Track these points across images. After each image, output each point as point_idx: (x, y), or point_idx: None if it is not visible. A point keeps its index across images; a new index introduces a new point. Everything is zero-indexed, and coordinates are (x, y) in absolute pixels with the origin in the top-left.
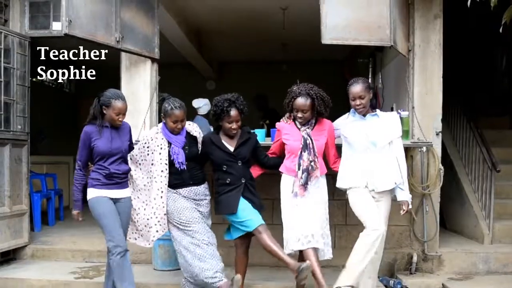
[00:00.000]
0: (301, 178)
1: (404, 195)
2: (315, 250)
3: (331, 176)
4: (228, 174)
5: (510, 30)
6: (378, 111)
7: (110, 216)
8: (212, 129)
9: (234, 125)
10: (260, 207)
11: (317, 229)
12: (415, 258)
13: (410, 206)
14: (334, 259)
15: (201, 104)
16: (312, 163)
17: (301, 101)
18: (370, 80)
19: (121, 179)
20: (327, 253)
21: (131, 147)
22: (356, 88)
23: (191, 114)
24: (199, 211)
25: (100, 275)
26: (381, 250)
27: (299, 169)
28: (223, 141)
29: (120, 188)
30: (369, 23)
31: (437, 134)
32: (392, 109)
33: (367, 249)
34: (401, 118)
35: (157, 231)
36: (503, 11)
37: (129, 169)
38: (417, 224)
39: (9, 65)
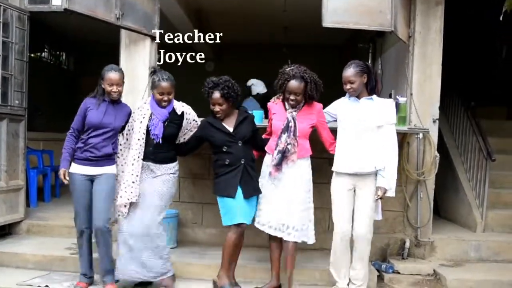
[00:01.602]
0: (275, 158)
1: (382, 182)
2: (293, 243)
3: (328, 160)
4: (227, 154)
5: (511, 19)
6: (374, 96)
7: (78, 198)
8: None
9: (216, 108)
10: (254, 191)
11: (291, 220)
12: (407, 244)
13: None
14: (326, 241)
15: (249, 84)
16: (289, 146)
17: (295, 84)
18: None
19: (99, 158)
20: (310, 238)
21: (123, 128)
22: (347, 72)
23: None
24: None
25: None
26: (362, 239)
27: (275, 148)
28: (222, 122)
29: (97, 165)
30: (370, 7)
31: (434, 121)
32: (390, 95)
33: (335, 250)
34: (399, 104)
35: (120, 196)
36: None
37: (112, 152)
38: (411, 210)
39: (7, 39)
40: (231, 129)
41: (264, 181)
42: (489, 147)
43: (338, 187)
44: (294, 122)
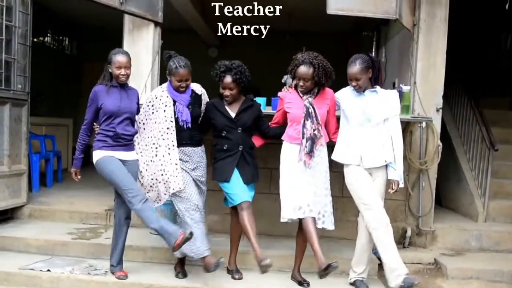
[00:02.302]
0: (306, 146)
1: (394, 175)
2: (313, 219)
3: (330, 148)
4: (226, 140)
5: None
6: (378, 87)
7: (121, 172)
8: None
9: (226, 92)
10: (252, 178)
11: (314, 199)
12: (409, 233)
13: (401, 185)
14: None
15: (284, 80)
16: (316, 132)
17: (303, 69)
18: (373, 54)
19: (127, 141)
20: (328, 224)
21: (139, 110)
22: (353, 69)
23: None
24: (192, 176)
25: (97, 237)
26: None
27: (303, 137)
28: (226, 106)
29: (127, 150)
30: None
31: (437, 110)
32: (394, 84)
33: (371, 231)
34: (402, 93)
35: (165, 188)
36: None
37: (136, 132)
38: (412, 199)
39: (11, 23)
40: (233, 115)
41: (293, 172)
42: (492, 137)
43: (358, 174)
44: (314, 108)
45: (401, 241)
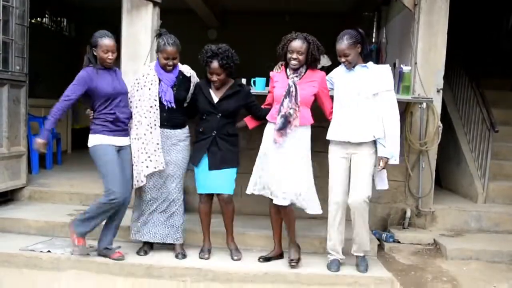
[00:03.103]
0: (277, 123)
1: (383, 151)
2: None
3: (325, 129)
4: (205, 122)
5: None
6: (370, 63)
7: (113, 166)
8: None
9: (214, 77)
10: (221, 164)
11: (285, 184)
12: (408, 213)
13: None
14: (325, 210)
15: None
16: (291, 111)
17: (297, 43)
18: (374, 35)
19: (126, 125)
20: (312, 208)
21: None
22: (341, 45)
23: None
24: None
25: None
26: (362, 204)
27: (278, 114)
28: (210, 90)
29: (125, 135)
30: None
31: (438, 91)
32: (395, 64)
33: (330, 221)
34: (403, 73)
35: (147, 166)
36: None
37: (131, 112)
38: (412, 180)
39: (8, 4)
40: (216, 100)
41: (267, 151)
42: (492, 118)
43: (334, 156)
44: (295, 87)
45: (401, 222)
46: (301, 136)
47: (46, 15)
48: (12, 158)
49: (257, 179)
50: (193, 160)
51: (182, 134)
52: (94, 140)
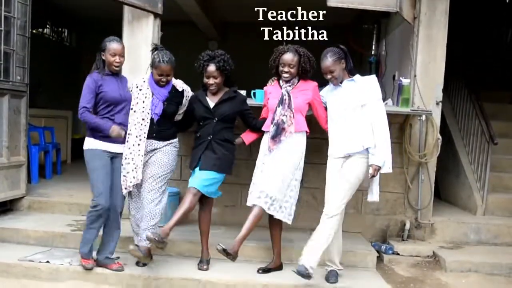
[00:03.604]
0: (270, 131)
1: (373, 159)
2: (260, 208)
3: (326, 141)
4: (202, 128)
5: None
6: (356, 76)
7: (101, 174)
8: None
9: (210, 80)
10: (212, 166)
11: (272, 190)
12: (407, 225)
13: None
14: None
15: None
16: (284, 118)
17: (288, 56)
18: (373, 47)
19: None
20: (284, 216)
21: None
22: (325, 63)
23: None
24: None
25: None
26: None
27: (271, 122)
28: (206, 97)
29: (121, 142)
30: None
31: (437, 104)
32: (394, 77)
33: (327, 234)
34: (402, 86)
35: (134, 177)
36: None
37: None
38: (412, 192)
39: (9, 14)
40: (212, 105)
41: (264, 159)
42: (491, 131)
43: (330, 170)
44: (289, 95)
45: (400, 234)
46: (295, 142)
47: (48, 26)
48: (12, 168)
49: (253, 188)
50: (190, 165)
51: (169, 144)
52: (88, 143)
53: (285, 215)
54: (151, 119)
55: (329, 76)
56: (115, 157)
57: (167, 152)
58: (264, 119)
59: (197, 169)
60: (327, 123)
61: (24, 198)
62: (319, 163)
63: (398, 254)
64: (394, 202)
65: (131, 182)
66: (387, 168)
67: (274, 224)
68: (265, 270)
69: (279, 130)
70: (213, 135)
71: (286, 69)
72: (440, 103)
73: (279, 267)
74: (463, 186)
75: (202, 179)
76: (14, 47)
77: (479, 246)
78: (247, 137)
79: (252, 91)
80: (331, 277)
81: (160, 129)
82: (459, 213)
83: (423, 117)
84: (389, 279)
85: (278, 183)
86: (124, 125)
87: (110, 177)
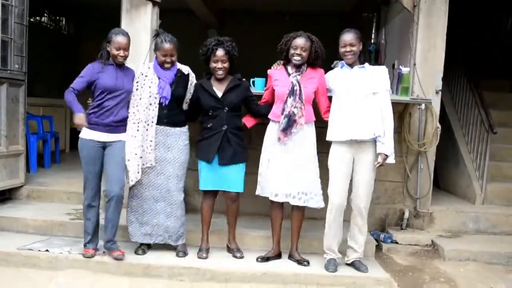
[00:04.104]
0: (282, 123)
1: (382, 148)
2: (281, 206)
3: (325, 129)
4: (212, 118)
5: None
6: (366, 64)
7: (90, 166)
8: None
9: (219, 64)
10: (232, 159)
11: (299, 185)
12: (406, 214)
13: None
14: (325, 211)
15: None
16: (295, 109)
17: (301, 40)
18: (373, 36)
19: (117, 123)
20: (318, 202)
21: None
22: (348, 36)
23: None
24: (159, 155)
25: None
26: (365, 206)
27: (282, 114)
28: (213, 86)
29: (112, 132)
30: None
31: (436, 92)
32: (393, 65)
33: (329, 223)
34: (402, 75)
35: (138, 164)
36: None
37: (127, 116)
38: (410, 181)
39: (7, 2)
40: (220, 94)
41: (272, 149)
42: (491, 120)
43: (336, 157)
44: (299, 86)
45: (399, 223)
46: (306, 134)
47: (45, 14)
48: (11, 156)
49: (264, 182)
50: (206, 157)
51: (182, 133)
52: (82, 132)
53: (317, 200)
54: (160, 104)
55: (348, 49)
56: (108, 145)
57: (182, 149)
58: (266, 103)
59: (212, 164)
60: (326, 113)
61: (23, 187)
62: (319, 151)
63: (396, 243)
64: (393, 191)
65: (138, 172)
66: (392, 159)
67: (297, 214)
68: (265, 259)
69: (291, 122)
70: (228, 125)
71: (298, 51)
72: (440, 92)
73: (278, 256)
74: (462, 175)
75: (233, 179)
76: (12, 35)
77: (478, 235)
78: (249, 121)
79: (252, 80)
80: (331, 265)
81: (170, 114)
82: (458, 202)
83: (423, 106)
84: (387, 268)
85: (304, 179)
86: (112, 112)
87: (99, 168)
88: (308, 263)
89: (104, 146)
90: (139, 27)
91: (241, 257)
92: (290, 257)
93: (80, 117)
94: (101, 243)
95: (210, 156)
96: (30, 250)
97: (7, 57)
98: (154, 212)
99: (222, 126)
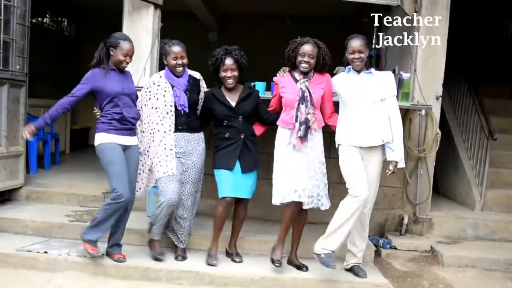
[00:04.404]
0: (299, 130)
1: (393, 155)
2: (300, 207)
3: (329, 134)
4: (228, 128)
5: None
6: (372, 69)
7: (118, 165)
8: None
9: (228, 73)
10: (254, 165)
11: (307, 183)
12: (406, 220)
13: (403, 165)
14: (325, 215)
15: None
16: (309, 116)
17: (309, 47)
18: (374, 41)
19: (133, 124)
20: (325, 204)
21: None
22: (357, 42)
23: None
24: (182, 162)
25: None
26: (369, 210)
27: (296, 121)
28: (225, 95)
29: (131, 134)
30: None
31: (437, 98)
32: (394, 71)
33: (349, 215)
34: (402, 80)
35: (157, 171)
36: None
37: (139, 115)
38: (410, 186)
39: (9, 3)
40: (233, 103)
41: (286, 155)
42: (491, 126)
43: (350, 155)
44: (309, 91)
45: (398, 228)
46: (317, 138)
47: (47, 15)
48: (10, 157)
49: (282, 188)
50: (227, 166)
51: (200, 139)
52: (100, 138)
53: (326, 203)
54: (177, 111)
55: (356, 56)
56: (127, 149)
57: (201, 155)
58: (274, 111)
59: (235, 172)
60: (330, 117)
61: (22, 188)
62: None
63: (396, 248)
64: (392, 197)
65: (160, 175)
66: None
67: (301, 217)
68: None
69: (308, 129)
70: (245, 133)
71: (306, 58)
72: (440, 98)
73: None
74: (462, 181)
75: (250, 186)
76: (14, 36)
77: (477, 241)
78: (258, 129)
79: (252, 83)
80: (330, 261)
81: (188, 120)
82: (457, 208)
83: (423, 112)
84: (386, 274)
85: (319, 182)
86: (130, 116)
87: (127, 169)
88: (307, 268)
89: (124, 149)
90: (140, 30)
91: (240, 262)
92: (290, 262)
93: (28, 128)
94: (100, 245)
95: (232, 164)
96: (29, 251)
97: (8, 58)
98: (174, 215)
99: (239, 135)
